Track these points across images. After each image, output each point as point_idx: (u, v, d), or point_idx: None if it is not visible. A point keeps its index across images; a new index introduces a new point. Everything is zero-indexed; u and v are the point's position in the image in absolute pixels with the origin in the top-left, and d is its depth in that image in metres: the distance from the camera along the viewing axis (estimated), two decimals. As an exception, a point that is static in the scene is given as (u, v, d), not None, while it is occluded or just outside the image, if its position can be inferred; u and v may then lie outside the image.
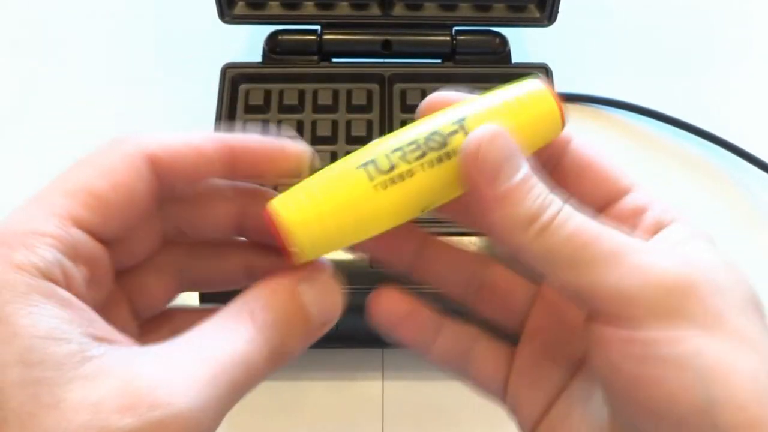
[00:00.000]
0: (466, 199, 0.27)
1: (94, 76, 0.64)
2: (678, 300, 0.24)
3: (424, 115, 0.28)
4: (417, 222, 0.28)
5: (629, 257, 0.25)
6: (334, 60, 0.58)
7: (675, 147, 0.61)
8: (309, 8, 0.57)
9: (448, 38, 0.57)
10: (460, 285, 0.32)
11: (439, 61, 0.58)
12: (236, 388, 0.23)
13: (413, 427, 0.51)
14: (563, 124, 0.28)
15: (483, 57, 0.58)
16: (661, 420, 0.24)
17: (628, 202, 0.29)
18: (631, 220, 0.28)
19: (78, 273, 0.24)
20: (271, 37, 0.58)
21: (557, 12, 0.56)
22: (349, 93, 0.56)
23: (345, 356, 0.52)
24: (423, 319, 0.31)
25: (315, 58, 0.58)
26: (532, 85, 0.28)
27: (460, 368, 0.32)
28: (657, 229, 0.28)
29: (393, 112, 0.55)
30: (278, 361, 0.25)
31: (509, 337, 0.32)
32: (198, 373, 0.22)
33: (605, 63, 0.65)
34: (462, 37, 0.58)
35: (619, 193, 0.29)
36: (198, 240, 0.30)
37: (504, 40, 0.58)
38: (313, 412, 0.51)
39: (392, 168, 0.26)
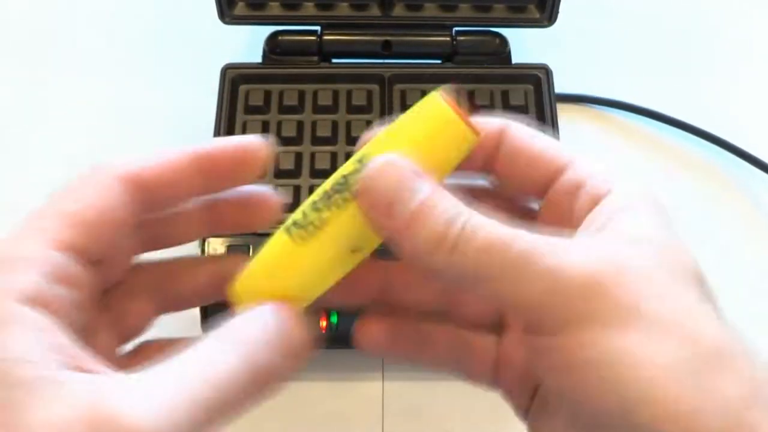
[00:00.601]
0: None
1: (94, 76, 0.64)
2: (587, 301, 0.23)
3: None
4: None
5: (537, 262, 0.24)
6: (334, 60, 0.58)
7: (675, 147, 0.61)
8: (309, 9, 0.57)
9: (448, 39, 0.58)
10: (434, 301, 0.31)
11: (439, 61, 0.58)
12: (212, 411, 0.23)
13: (413, 427, 0.51)
14: (475, 132, 0.27)
15: (483, 57, 0.58)
16: (589, 425, 0.24)
17: (565, 180, 0.28)
18: (567, 200, 0.28)
19: (63, 294, 0.24)
20: (271, 38, 0.58)
21: (557, 12, 0.56)
22: (349, 93, 0.56)
23: (345, 356, 0.52)
24: (408, 336, 0.31)
25: (315, 58, 0.58)
26: (429, 101, 0.27)
27: (452, 367, 0.32)
28: (593, 204, 0.27)
29: (393, 113, 0.55)
30: (262, 381, 0.25)
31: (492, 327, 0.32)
32: (167, 396, 0.22)
33: (605, 63, 0.65)
34: (462, 38, 0.58)
35: (556, 173, 0.28)
36: (169, 257, 0.31)
37: (504, 41, 0.58)
38: (313, 412, 0.51)
39: (306, 220, 0.26)
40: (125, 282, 0.29)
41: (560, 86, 0.56)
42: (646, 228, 0.25)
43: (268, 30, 0.58)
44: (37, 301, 0.23)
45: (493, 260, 0.24)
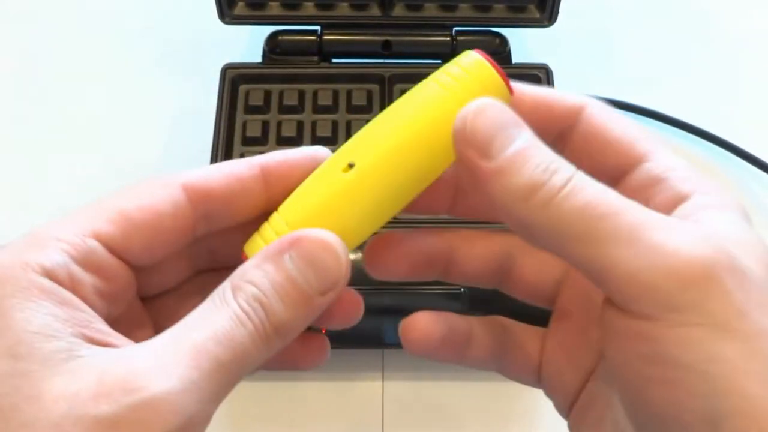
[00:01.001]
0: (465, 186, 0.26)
1: (93, 76, 0.64)
2: (696, 293, 0.22)
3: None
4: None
5: (647, 235, 0.22)
6: (334, 60, 0.58)
7: (675, 147, 0.61)
8: (309, 9, 0.57)
9: (448, 38, 0.58)
10: (490, 276, 0.30)
11: (439, 61, 0.58)
12: (224, 369, 0.23)
13: (413, 427, 0.51)
14: (510, 91, 0.26)
15: (483, 57, 0.58)
16: (665, 425, 0.23)
17: (643, 172, 0.26)
18: (643, 194, 0.25)
19: (87, 280, 0.24)
20: (271, 38, 0.58)
21: (557, 12, 0.56)
22: (349, 93, 0.56)
23: (345, 356, 0.52)
24: (456, 333, 0.30)
25: (315, 58, 0.58)
26: (469, 58, 0.26)
27: (494, 363, 0.31)
28: (674, 203, 0.25)
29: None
30: (273, 337, 0.24)
31: (539, 319, 0.31)
32: (177, 356, 0.22)
33: (605, 63, 0.65)
34: (462, 38, 0.58)
35: (632, 163, 0.26)
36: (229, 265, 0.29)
37: (504, 41, 0.58)
38: (313, 412, 0.51)
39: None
40: (181, 286, 0.29)
41: (560, 86, 0.56)
42: (743, 232, 0.24)
43: (268, 30, 0.58)
44: (59, 278, 0.23)
45: (599, 222, 0.22)
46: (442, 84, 0.26)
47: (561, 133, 0.27)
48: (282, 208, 0.27)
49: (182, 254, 0.28)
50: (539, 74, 0.56)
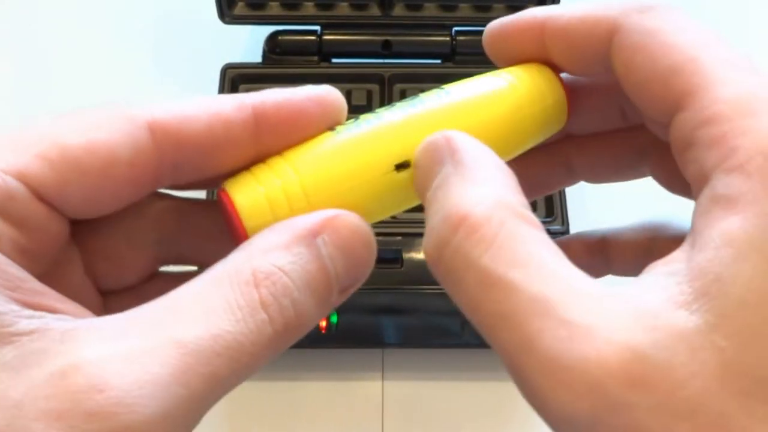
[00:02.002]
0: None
1: (93, 76, 0.64)
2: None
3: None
4: None
5: (540, 346, 0.17)
6: (334, 60, 0.58)
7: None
8: (309, 8, 0.57)
9: (448, 38, 0.57)
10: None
11: (439, 61, 0.58)
12: (219, 386, 0.18)
13: (413, 427, 0.51)
14: (567, 118, 0.25)
15: (483, 57, 0.56)
16: None
17: (679, 127, 0.19)
18: (681, 159, 0.19)
19: (5, 232, 0.19)
20: (271, 38, 0.58)
21: (557, 12, 0.56)
22: (349, 93, 0.56)
23: (345, 356, 0.52)
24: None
25: (315, 58, 0.58)
26: (541, 70, 0.25)
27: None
28: (699, 184, 0.18)
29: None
30: (284, 340, 0.19)
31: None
32: (160, 368, 0.16)
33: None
34: (462, 38, 0.58)
35: (672, 109, 0.19)
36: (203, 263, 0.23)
37: (504, 41, 0.58)
38: (313, 412, 0.51)
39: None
40: (139, 288, 0.23)
41: (560, 86, 0.56)
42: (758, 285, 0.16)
43: (268, 30, 0.58)
44: None
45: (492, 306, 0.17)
46: (504, 79, 0.25)
47: (603, 65, 0.22)
48: (294, 162, 0.22)
49: (147, 243, 0.22)
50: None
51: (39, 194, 0.19)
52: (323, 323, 0.48)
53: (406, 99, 0.24)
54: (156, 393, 0.16)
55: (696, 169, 0.18)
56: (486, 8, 0.57)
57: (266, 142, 0.22)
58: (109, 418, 0.16)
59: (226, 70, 0.56)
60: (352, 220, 0.20)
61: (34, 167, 0.19)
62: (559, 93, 0.25)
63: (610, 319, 0.16)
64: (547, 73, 0.25)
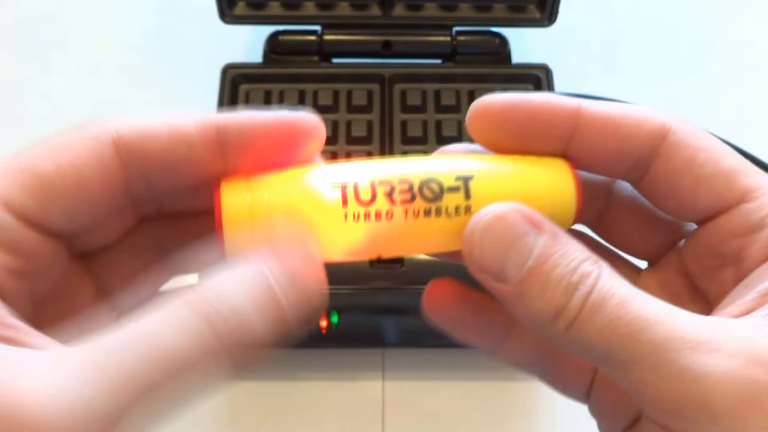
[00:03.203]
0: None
1: (93, 75, 0.64)
2: (730, 422, 0.19)
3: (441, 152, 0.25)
4: None
5: (672, 358, 0.20)
6: (335, 60, 0.58)
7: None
8: (309, 8, 0.57)
9: (448, 38, 0.58)
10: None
11: (439, 61, 0.58)
12: (146, 387, 0.18)
13: (413, 427, 0.51)
14: (576, 214, 0.24)
15: (483, 57, 0.58)
16: None
17: (740, 215, 0.23)
18: (738, 240, 0.23)
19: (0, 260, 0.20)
20: (272, 38, 0.58)
21: (557, 12, 0.56)
22: (349, 93, 0.56)
23: (345, 356, 0.52)
24: (490, 315, 0.26)
25: (315, 58, 0.58)
26: (555, 161, 0.24)
27: (536, 369, 0.28)
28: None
29: (393, 113, 0.55)
30: (226, 347, 0.20)
31: None
32: (77, 374, 0.17)
33: (605, 63, 0.65)
34: (462, 38, 0.58)
35: (730, 203, 0.23)
36: (178, 212, 0.25)
37: (504, 41, 0.58)
38: (313, 412, 0.51)
39: (372, 200, 0.23)
40: (125, 239, 0.25)
41: (560, 86, 0.56)
42: None
43: (268, 30, 0.58)
44: None
45: (622, 344, 0.20)
46: (517, 169, 0.24)
47: (638, 161, 0.24)
48: (287, 181, 0.23)
49: (122, 206, 0.24)
50: (539, 74, 0.56)
51: (26, 219, 0.21)
52: (323, 323, 0.48)
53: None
54: (64, 395, 0.17)
55: (764, 248, 0.22)
56: (486, 8, 0.57)
57: (232, 160, 0.22)
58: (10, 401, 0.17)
59: (227, 69, 0.56)
60: (305, 251, 0.22)
61: (16, 195, 0.21)
62: (573, 196, 0.24)
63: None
64: (568, 174, 0.24)
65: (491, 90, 0.26)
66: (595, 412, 0.27)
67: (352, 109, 0.56)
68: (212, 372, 0.19)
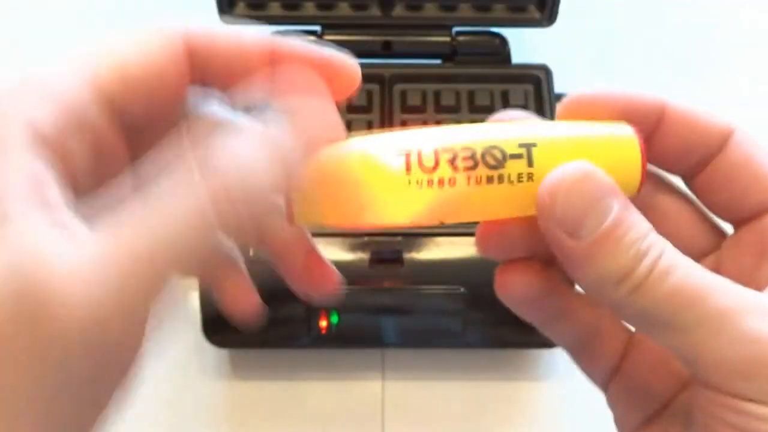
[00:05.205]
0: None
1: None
2: None
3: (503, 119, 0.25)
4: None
5: (737, 321, 0.21)
6: (334, 60, 0.58)
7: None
8: (309, 9, 0.57)
9: (448, 39, 0.58)
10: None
11: (439, 61, 0.58)
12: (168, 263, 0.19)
13: (413, 427, 0.51)
14: (641, 182, 0.24)
15: (483, 57, 0.58)
16: None
17: None
18: None
19: (73, 147, 0.21)
20: (272, 38, 0.58)
21: (557, 12, 0.56)
22: (349, 93, 0.56)
23: (345, 356, 0.52)
24: (556, 295, 0.27)
25: (315, 58, 0.58)
26: (620, 127, 0.25)
27: (574, 348, 0.28)
28: None
29: (393, 113, 0.56)
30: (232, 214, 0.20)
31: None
32: (107, 249, 0.19)
33: (605, 63, 0.65)
34: (462, 38, 0.58)
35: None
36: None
37: (504, 41, 0.58)
38: (313, 412, 0.51)
39: (435, 167, 0.23)
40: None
41: (560, 86, 0.56)
42: None
43: (268, 30, 0.58)
44: (46, 141, 0.20)
45: (687, 309, 0.21)
46: (583, 136, 0.24)
47: (704, 156, 0.25)
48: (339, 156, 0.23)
49: (171, 108, 0.24)
50: (539, 74, 0.56)
51: (110, 107, 0.22)
52: (323, 323, 0.48)
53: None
54: (94, 280, 0.18)
55: None
56: (486, 8, 0.57)
57: (278, 75, 0.24)
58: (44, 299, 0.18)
59: (227, 70, 0.56)
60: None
61: (109, 83, 0.22)
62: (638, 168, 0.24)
63: None
64: (635, 147, 0.24)
65: (491, 90, 0.26)
66: (612, 400, 0.28)
67: (352, 109, 0.56)
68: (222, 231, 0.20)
